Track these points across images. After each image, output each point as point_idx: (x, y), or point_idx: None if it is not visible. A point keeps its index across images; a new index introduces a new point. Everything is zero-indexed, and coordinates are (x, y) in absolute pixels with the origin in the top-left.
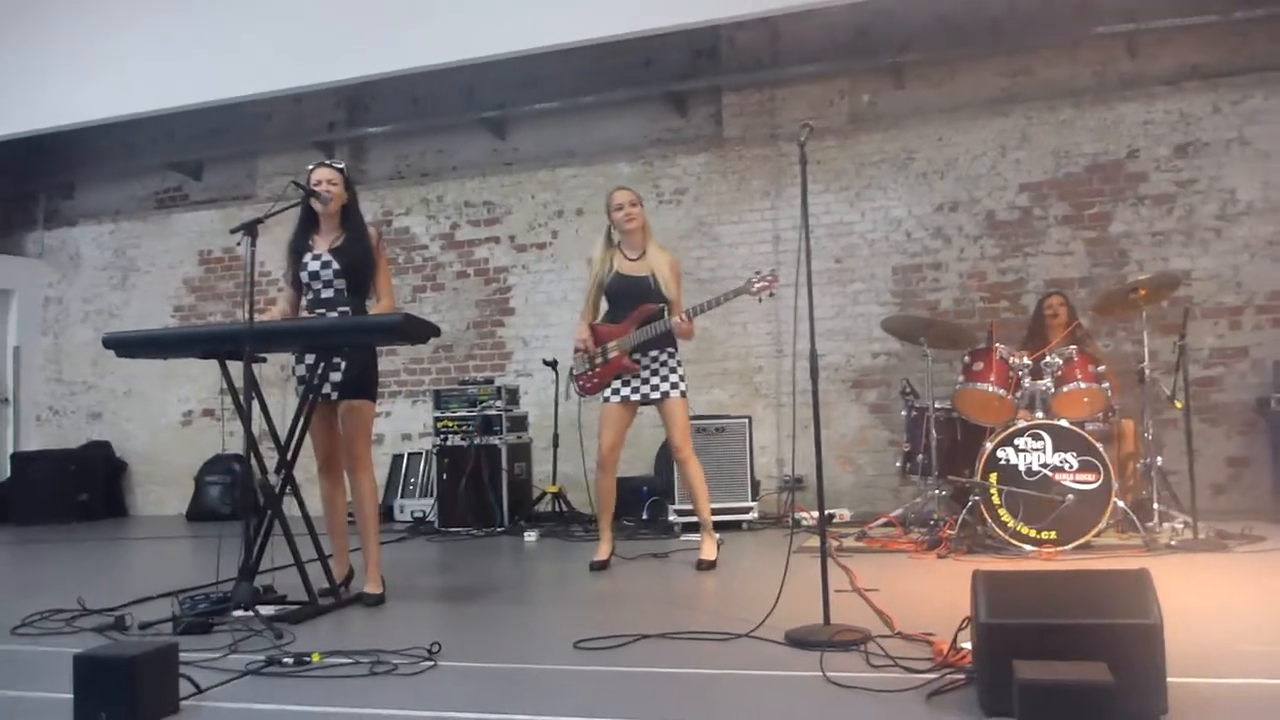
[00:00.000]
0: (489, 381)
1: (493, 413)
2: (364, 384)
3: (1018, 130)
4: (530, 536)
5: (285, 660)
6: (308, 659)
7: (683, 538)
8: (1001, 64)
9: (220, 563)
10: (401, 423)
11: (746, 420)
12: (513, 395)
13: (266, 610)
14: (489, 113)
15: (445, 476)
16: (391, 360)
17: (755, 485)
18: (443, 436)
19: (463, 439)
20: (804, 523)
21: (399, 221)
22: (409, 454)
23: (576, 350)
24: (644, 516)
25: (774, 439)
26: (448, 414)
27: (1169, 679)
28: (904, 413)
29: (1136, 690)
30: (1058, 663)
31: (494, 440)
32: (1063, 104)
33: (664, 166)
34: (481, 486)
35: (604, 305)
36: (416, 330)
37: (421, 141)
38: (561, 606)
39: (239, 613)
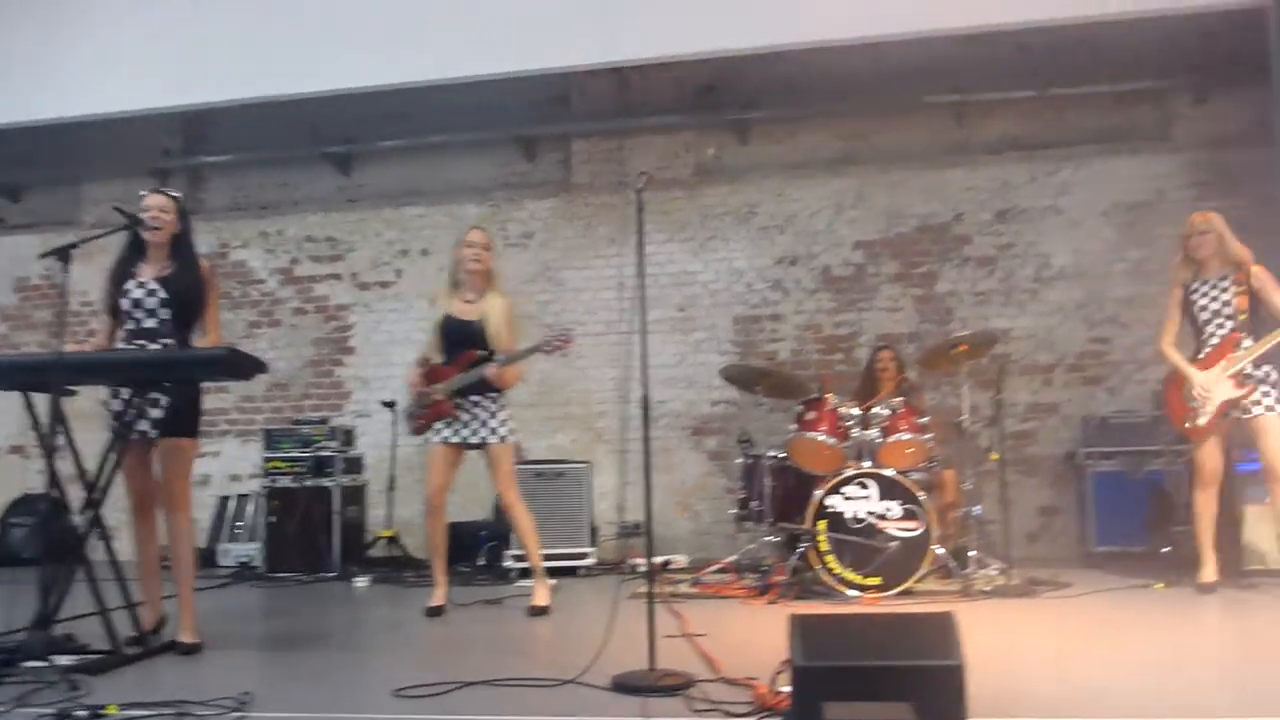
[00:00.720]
0: (323, 421)
1: (326, 454)
2: (185, 421)
3: (854, 190)
4: (361, 582)
5: (78, 713)
6: (103, 711)
7: (520, 583)
8: (840, 126)
9: (15, 610)
10: (230, 463)
11: (587, 465)
12: (348, 436)
13: (63, 660)
14: (334, 147)
15: (274, 519)
16: (222, 398)
17: (594, 531)
18: (272, 478)
19: (294, 480)
20: (640, 568)
21: (235, 254)
22: (237, 496)
23: (410, 388)
24: (481, 562)
25: (614, 485)
26: (279, 454)
27: (971, 719)
28: (740, 460)
29: None
30: (865, 704)
31: (326, 482)
32: (895, 167)
33: (511, 210)
34: (312, 530)
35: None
36: (242, 365)
37: (263, 173)
38: (387, 654)
39: (32, 663)
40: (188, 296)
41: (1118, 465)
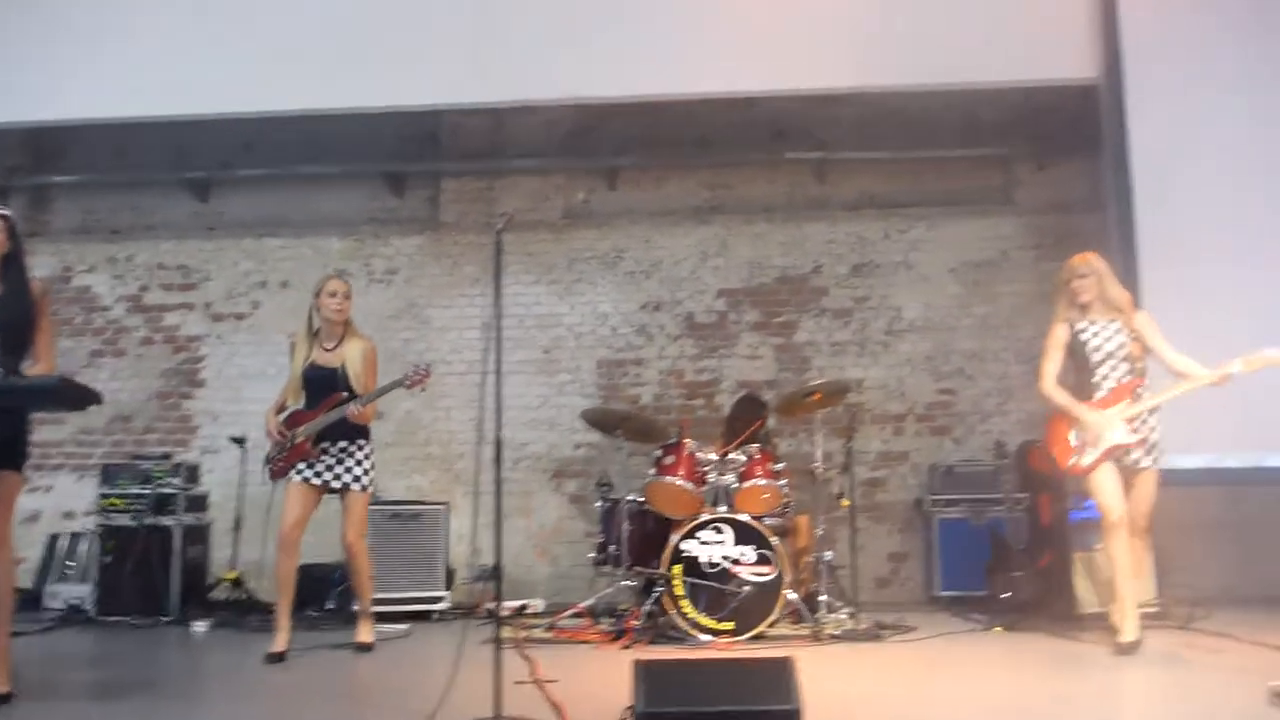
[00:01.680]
0: (166, 457)
1: (168, 491)
2: (10, 453)
3: (718, 239)
4: (200, 627)
5: None
6: None
7: (378, 627)
8: (706, 176)
9: None
10: (64, 499)
11: (444, 507)
12: (193, 473)
13: None
14: (192, 173)
15: (109, 560)
16: (58, 429)
17: (449, 574)
18: (109, 515)
19: (132, 519)
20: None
21: (80, 279)
22: (70, 534)
23: (269, 435)
24: (330, 606)
25: (472, 527)
26: (116, 491)
27: None
28: (599, 504)
29: None
30: None
31: (167, 521)
32: (758, 218)
33: (376, 245)
34: (149, 571)
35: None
36: (74, 396)
37: (115, 196)
38: (221, 704)
39: None
40: (16, 322)
41: (962, 512)
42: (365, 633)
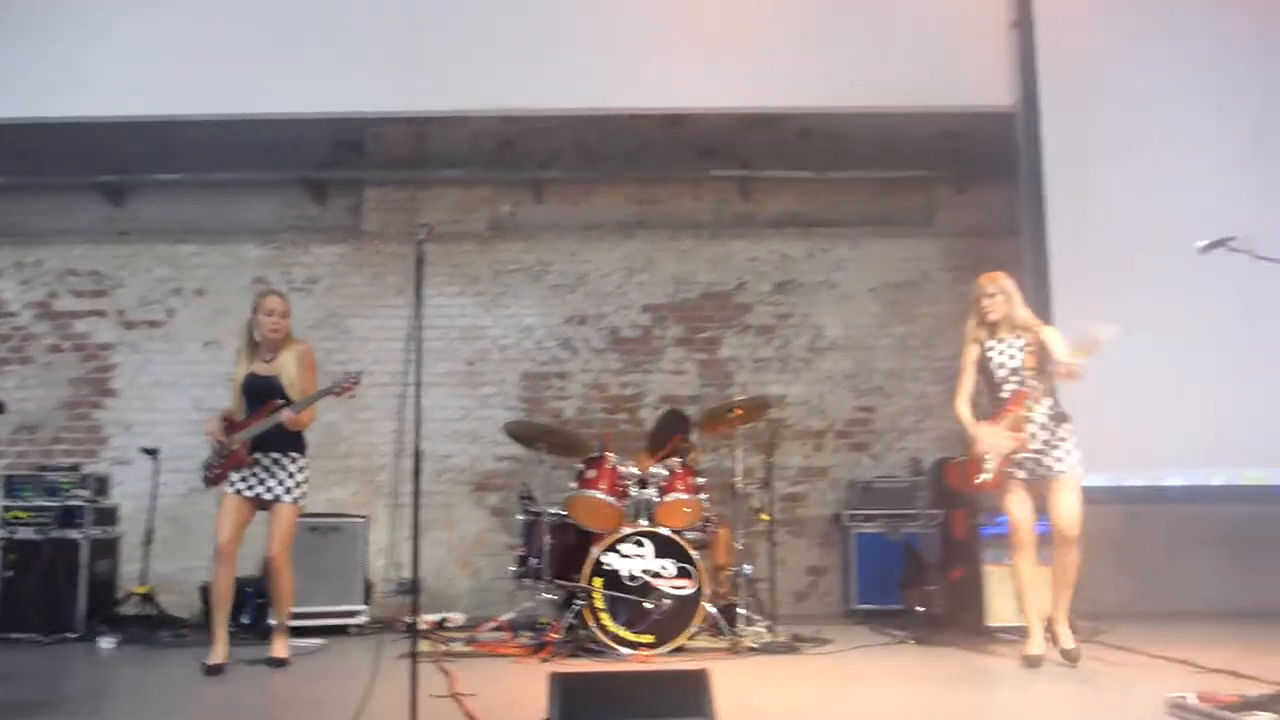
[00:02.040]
0: (74, 468)
1: (76, 503)
2: None
3: (644, 254)
4: (107, 643)
5: None
6: None
7: (294, 643)
8: (632, 191)
9: None
10: None
11: (363, 520)
12: (102, 485)
13: None
14: (105, 177)
15: (10, 574)
16: None
17: (368, 588)
18: (11, 529)
19: (37, 532)
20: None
21: None
22: None
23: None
24: (246, 620)
25: (392, 540)
26: (20, 503)
27: None
28: (521, 517)
29: None
30: None
31: (74, 534)
32: (683, 235)
33: (296, 254)
34: (54, 586)
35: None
36: None
37: (22, 199)
38: None
39: None
40: None
41: (879, 527)
42: (280, 648)
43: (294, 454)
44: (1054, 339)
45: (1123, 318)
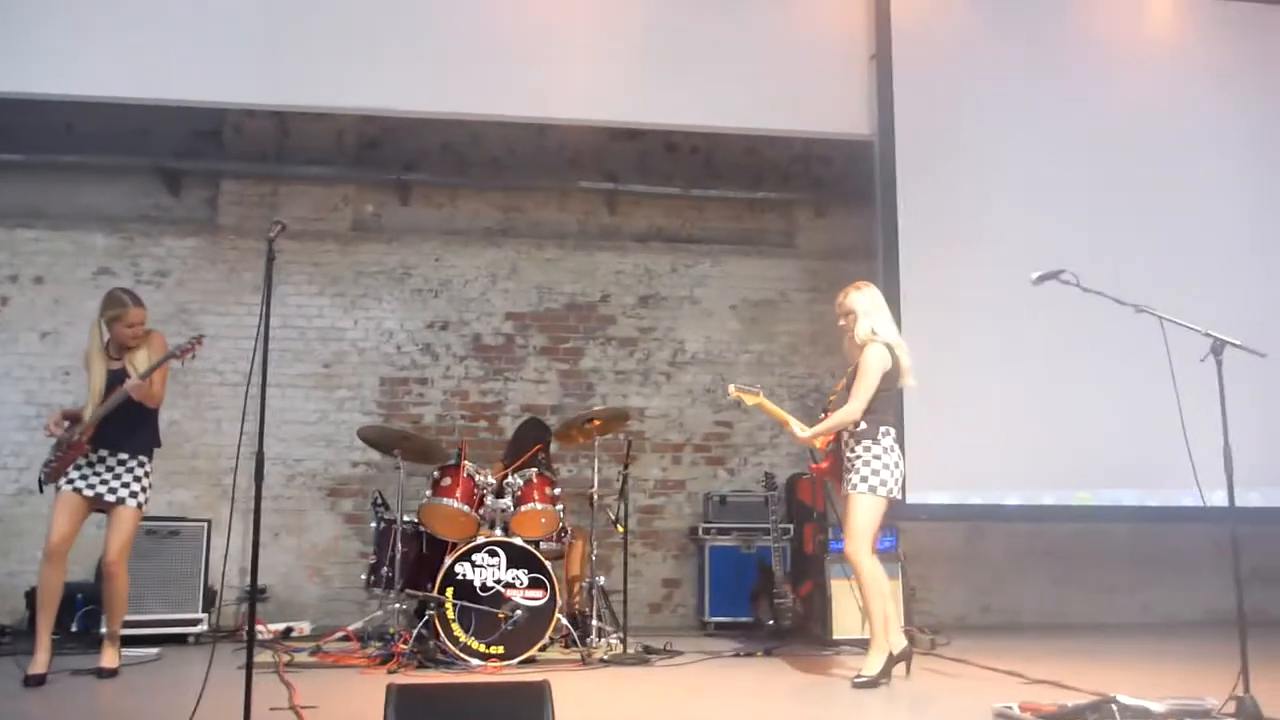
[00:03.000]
0: None
1: None
2: None
3: (508, 262)
4: None
5: None
6: None
7: (127, 652)
8: (498, 198)
9: None
10: None
11: (206, 524)
12: None
13: None
14: None
15: None
16: None
17: (210, 595)
18: None
19: None
20: (260, 636)
21: None
22: None
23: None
24: (74, 628)
25: (240, 546)
26: None
27: None
28: (373, 524)
29: None
30: None
31: None
32: (549, 244)
33: (146, 244)
34: None
35: None
36: None
37: None
38: None
39: None
40: None
41: (733, 540)
42: (110, 657)
43: (142, 457)
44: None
45: (967, 342)
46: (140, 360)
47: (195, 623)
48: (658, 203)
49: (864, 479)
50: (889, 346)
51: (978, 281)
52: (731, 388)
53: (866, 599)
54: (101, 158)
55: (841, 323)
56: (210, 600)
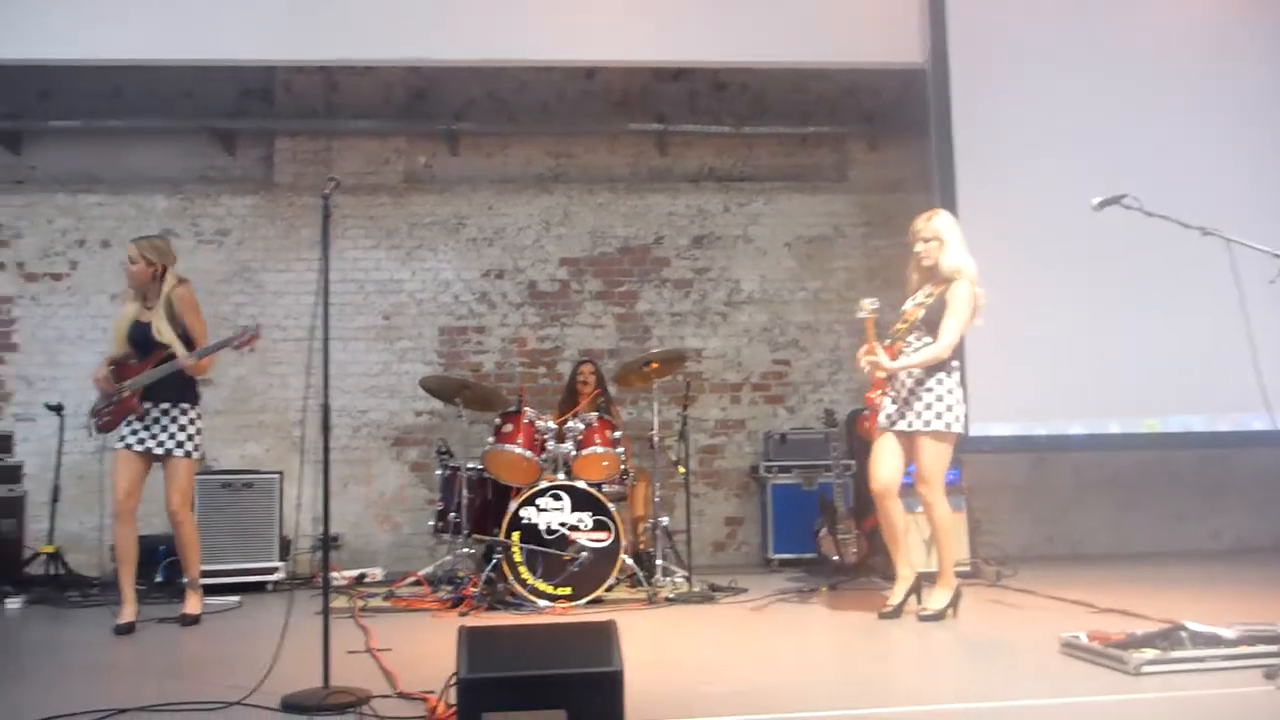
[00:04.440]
0: None
1: None
2: None
3: (560, 208)
4: (13, 603)
5: None
6: None
7: (209, 600)
8: (548, 144)
9: None
10: None
11: (278, 476)
12: (5, 442)
13: None
14: (1, 123)
15: None
16: None
17: (285, 544)
18: None
19: None
20: (335, 582)
21: None
22: None
23: (96, 383)
24: (158, 579)
25: (311, 496)
26: None
27: None
28: (439, 472)
29: None
30: (521, 713)
31: None
32: (600, 188)
33: (205, 204)
34: None
35: None
36: None
37: None
38: (32, 683)
39: None
40: None
41: (794, 478)
42: (192, 604)
43: (184, 405)
44: (952, 297)
45: (1028, 271)
46: (162, 310)
47: (272, 571)
48: (708, 142)
49: (938, 415)
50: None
51: (1037, 209)
52: (865, 302)
53: (938, 537)
54: (156, 120)
55: (919, 248)
56: (285, 549)
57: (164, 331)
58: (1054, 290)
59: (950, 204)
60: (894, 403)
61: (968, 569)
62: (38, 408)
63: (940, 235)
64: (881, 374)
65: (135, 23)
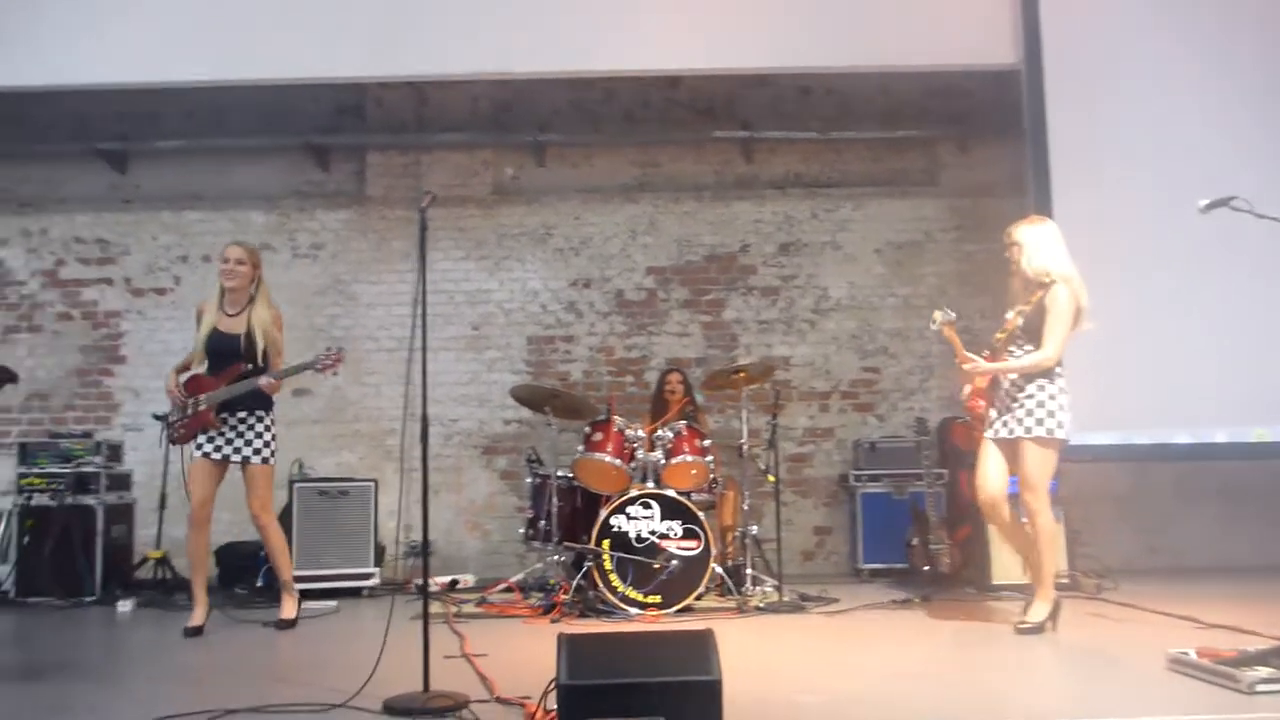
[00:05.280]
0: (87, 435)
1: (89, 470)
2: None
3: (647, 217)
4: (124, 606)
5: None
6: None
7: (306, 605)
8: (634, 154)
9: None
10: None
11: (372, 484)
12: (115, 451)
13: None
14: (107, 144)
15: (28, 540)
16: None
17: (379, 550)
18: (28, 495)
19: (52, 498)
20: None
21: None
22: None
23: (168, 394)
24: (259, 583)
25: (403, 503)
26: (35, 470)
27: None
28: (529, 480)
29: None
30: None
31: (89, 500)
32: (686, 197)
33: (301, 219)
34: (70, 551)
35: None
36: None
37: (25, 167)
38: (144, 683)
39: None
40: None
41: (885, 487)
42: (288, 608)
43: (260, 412)
44: (1051, 302)
45: (1127, 275)
46: (255, 330)
47: (368, 576)
48: (794, 148)
49: (1039, 421)
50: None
51: (1136, 212)
52: (936, 314)
53: (1040, 547)
54: (253, 139)
55: (1010, 254)
56: (380, 555)
57: (258, 343)
58: (1155, 294)
59: (1045, 207)
60: (997, 411)
61: (1066, 581)
62: (145, 418)
63: (1020, 240)
64: (982, 381)
65: (231, 44)
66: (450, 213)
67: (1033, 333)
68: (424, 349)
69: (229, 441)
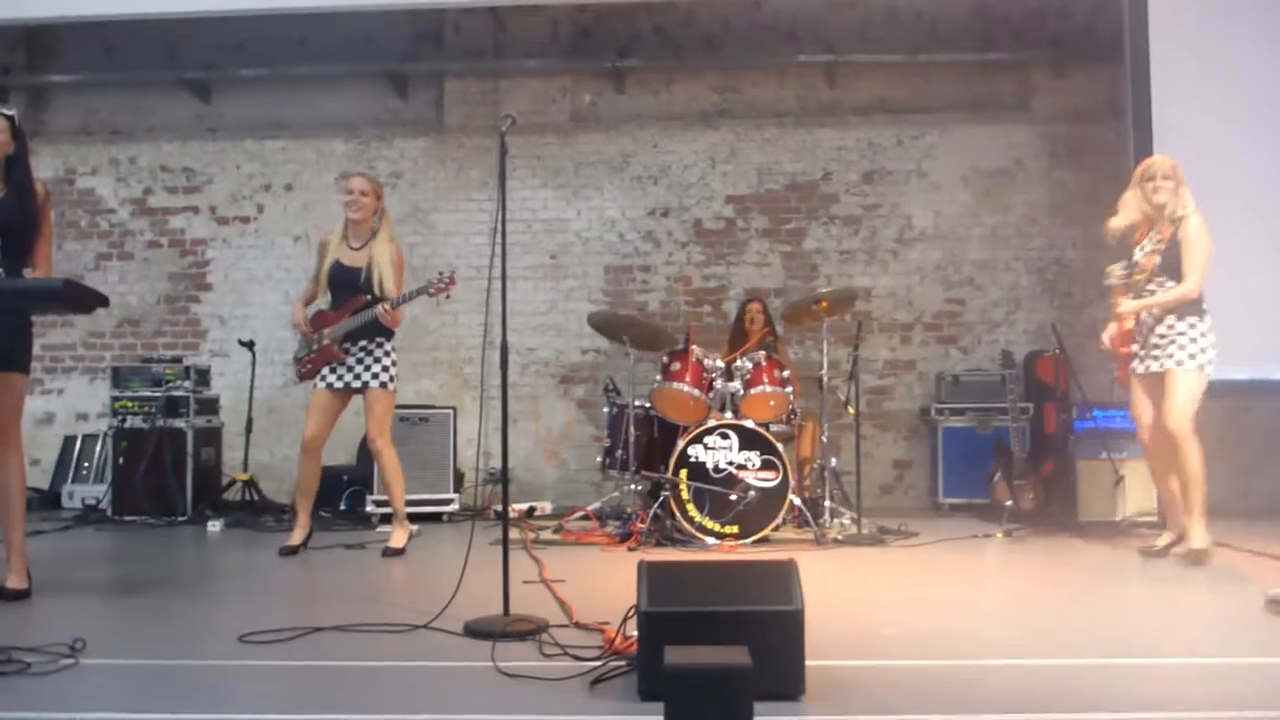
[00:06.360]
0: (177, 360)
1: (179, 394)
2: (13, 355)
3: (726, 144)
4: (214, 526)
5: None
6: None
7: (380, 529)
8: (714, 80)
9: None
10: (77, 401)
11: (452, 411)
12: (203, 376)
13: None
14: (192, 74)
15: (122, 461)
16: (68, 333)
17: (459, 477)
18: (121, 418)
19: (144, 421)
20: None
21: (83, 182)
22: (83, 436)
23: (296, 330)
24: (342, 507)
25: (481, 431)
26: (128, 394)
27: (810, 662)
28: (606, 409)
29: (776, 672)
30: (703, 648)
31: (179, 423)
32: (767, 124)
33: (381, 148)
34: (163, 472)
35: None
36: (79, 298)
37: (114, 96)
38: (235, 600)
39: None
40: (19, 225)
41: (967, 421)
42: (397, 537)
43: (380, 339)
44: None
45: (1229, 207)
46: (381, 260)
47: (448, 502)
48: (880, 72)
49: (1191, 355)
50: None
51: (1241, 141)
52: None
53: (1188, 476)
54: (334, 67)
55: (1152, 186)
56: (459, 481)
57: (385, 275)
58: (1258, 226)
59: (1144, 134)
60: (1142, 347)
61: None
62: (231, 344)
63: (1177, 176)
64: (1130, 322)
65: None
66: (528, 141)
67: (1171, 269)
68: (504, 277)
69: (350, 369)
